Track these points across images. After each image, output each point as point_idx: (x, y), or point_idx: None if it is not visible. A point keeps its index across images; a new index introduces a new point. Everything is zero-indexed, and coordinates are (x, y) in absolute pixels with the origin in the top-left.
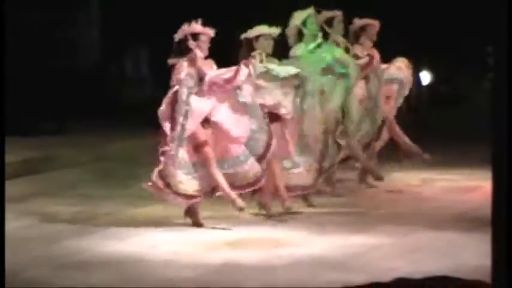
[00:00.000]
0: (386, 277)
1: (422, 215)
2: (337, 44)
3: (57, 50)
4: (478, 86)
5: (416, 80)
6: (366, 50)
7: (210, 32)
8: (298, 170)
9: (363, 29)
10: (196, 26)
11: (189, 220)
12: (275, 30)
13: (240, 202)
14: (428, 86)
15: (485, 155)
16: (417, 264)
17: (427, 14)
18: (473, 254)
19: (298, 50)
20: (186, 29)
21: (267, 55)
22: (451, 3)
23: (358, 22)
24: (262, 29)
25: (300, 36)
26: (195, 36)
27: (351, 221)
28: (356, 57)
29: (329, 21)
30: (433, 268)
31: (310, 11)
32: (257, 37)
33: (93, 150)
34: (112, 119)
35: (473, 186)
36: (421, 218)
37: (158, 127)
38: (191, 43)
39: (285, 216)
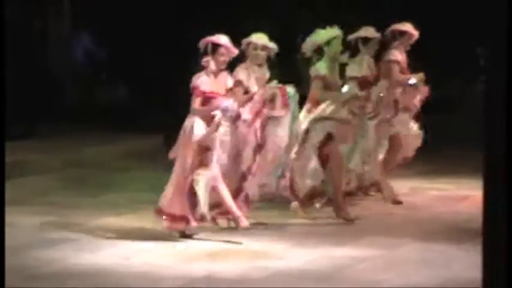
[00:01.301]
0: None
1: (412, 225)
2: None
3: (27, 47)
4: (471, 89)
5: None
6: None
7: (232, 49)
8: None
9: (401, 34)
10: (221, 37)
11: (165, 230)
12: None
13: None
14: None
15: (477, 163)
16: (405, 277)
17: (415, 16)
18: (464, 265)
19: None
20: (208, 39)
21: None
22: (435, 3)
23: (399, 26)
24: (333, 32)
25: (318, 53)
26: (215, 47)
27: (337, 231)
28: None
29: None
30: (422, 280)
31: (338, 32)
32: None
33: (64, 155)
34: (84, 121)
35: (465, 195)
36: (411, 228)
37: (130, 131)
38: (206, 57)
39: (267, 228)
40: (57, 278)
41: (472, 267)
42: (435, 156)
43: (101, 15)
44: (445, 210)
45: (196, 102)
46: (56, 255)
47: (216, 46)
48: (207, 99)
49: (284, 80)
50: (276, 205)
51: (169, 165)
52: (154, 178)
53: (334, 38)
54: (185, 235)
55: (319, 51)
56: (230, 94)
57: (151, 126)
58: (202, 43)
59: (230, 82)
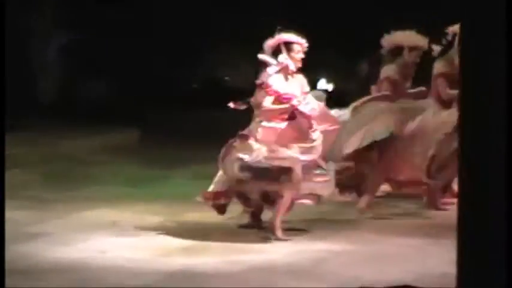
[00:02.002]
0: (349, 285)
1: (388, 221)
2: None
3: (8, 44)
4: None
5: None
6: None
7: (304, 43)
8: None
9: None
10: (291, 35)
11: (141, 224)
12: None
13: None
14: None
15: None
16: (381, 272)
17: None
18: (439, 261)
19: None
20: (277, 39)
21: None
22: None
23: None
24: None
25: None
26: (288, 45)
27: (314, 227)
28: None
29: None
30: (398, 276)
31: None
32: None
33: (41, 149)
34: (61, 116)
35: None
36: (387, 224)
37: (110, 126)
38: (283, 54)
39: (242, 222)
40: (33, 272)
41: (447, 263)
42: None
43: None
44: (420, 207)
45: (267, 101)
46: (32, 249)
47: (289, 45)
48: (278, 100)
49: None
50: None
51: (145, 160)
52: (130, 172)
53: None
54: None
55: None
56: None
57: (127, 120)
58: (270, 45)
59: (306, 85)
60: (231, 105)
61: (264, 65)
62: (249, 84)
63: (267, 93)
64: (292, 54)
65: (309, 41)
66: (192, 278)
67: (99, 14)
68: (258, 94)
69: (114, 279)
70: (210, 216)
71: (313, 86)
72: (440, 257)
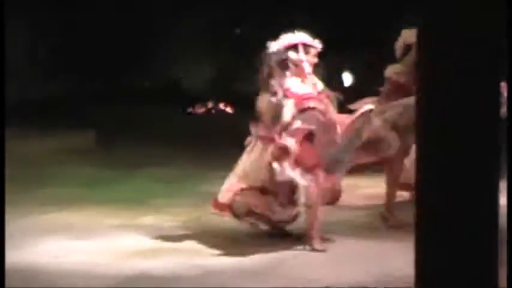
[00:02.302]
0: (310, 286)
1: (348, 222)
2: None
3: None
4: None
5: (339, 81)
6: None
7: (319, 48)
8: None
9: None
10: (310, 38)
11: (97, 227)
12: None
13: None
14: (350, 87)
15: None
16: (341, 274)
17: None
18: (401, 262)
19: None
20: (297, 40)
21: None
22: None
23: None
24: None
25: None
26: (307, 48)
27: (269, 229)
28: None
29: None
30: (357, 277)
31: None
32: None
33: None
34: (18, 117)
35: (399, 192)
36: (346, 225)
37: (64, 127)
38: (292, 55)
39: (199, 225)
40: None
41: (409, 264)
42: None
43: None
44: (380, 207)
45: (288, 112)
46: None
47: (307, 47)
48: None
49: None
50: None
51: (100, 161)
52: (85, 174)
53: None
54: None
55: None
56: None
57: (82, 122)
58: (286, 46)
59: (320, 85)
60: (190, 110)
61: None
62: (203, 84)
63: (287, 96)
64: (309, 56)
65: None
66: (148, 282)
67: (52, 15)
68: (262, 98)
69: (67, 283)
70: (166, 219)
71: None
72: (402, 258)
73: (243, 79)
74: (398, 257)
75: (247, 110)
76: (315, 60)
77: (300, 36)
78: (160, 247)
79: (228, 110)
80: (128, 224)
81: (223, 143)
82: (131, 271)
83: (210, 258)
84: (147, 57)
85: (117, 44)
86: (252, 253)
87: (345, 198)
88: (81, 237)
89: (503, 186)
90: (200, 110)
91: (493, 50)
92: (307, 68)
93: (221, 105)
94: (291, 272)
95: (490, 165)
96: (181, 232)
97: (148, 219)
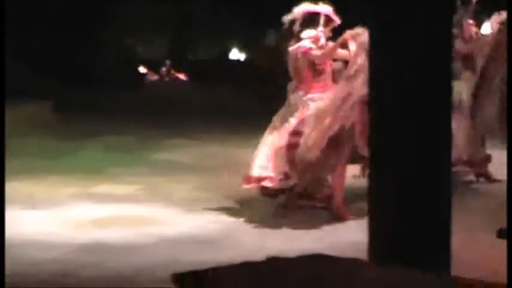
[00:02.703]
0: (258, 256)
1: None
2: None
3: None
4: None
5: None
6: None
7: (338, 22)
8: None
9: None
10: (333, 12)
11: (55, 197)
12: None
13: None
14: None
15: None
16: (293, 243)
17: None
18: (350, 230)
19: None
20: (327, 9)
21: None
22: None
23: None
24: None
25: None
26: (328, 20)
27: (222, 198)
28: None
29: None
30: (308, 246)
31: None
32: None
33: None
34: None
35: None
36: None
37: (24, 98)
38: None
39: (154, 193)
40: None
41: (358, 231)
42: None
43: None
44: None
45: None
46: None
47: (328, 20)
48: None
49: None
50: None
51: (59, 132)
52: (44, 145)
53: None
54: None
55: None
56: None
57: (41, 94)
58: (307, 12)
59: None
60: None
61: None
62: (160, 55)
63: (309, 56)
64: (326, 29)
65: (220, 9)
66: (103, 250)
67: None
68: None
69: (25, 252)
70: (121, 188)
71: (224, 55)
72: (352, 226)
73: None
74: (350, 223)
75: (199, 79)
76: (329, 34)
77: (328, 9)
78: (115, 216)
79: (182, 77)
80: (84, 193)
81: (178, 112)
82: (86, 240)
83: (164, 227)
84: (103, 31)
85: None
86: (206, 221)
87: None
88: (38, 206)
89: None
90: (154, 77)
91: (444, 47)
92: (322, 40)
93: (174, 73)
94: (243, 239)
95: (442, 159)
96: (136, 200)
97: (104, 188)
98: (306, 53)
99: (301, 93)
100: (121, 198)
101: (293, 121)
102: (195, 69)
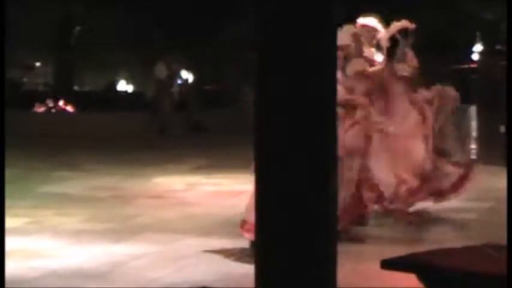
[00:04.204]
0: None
1: (188, 221)
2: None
3: None
4: (246, 85)
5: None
6: None
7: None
8: None
9: None
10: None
11: None
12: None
13: None
14: (193, 84)
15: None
16: (183, 273)
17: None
18: (241, 260)
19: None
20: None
21: None
22: None
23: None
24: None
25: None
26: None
27: (113, 229)
28: None
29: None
30: (199, 277)
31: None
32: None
33: None
34: None
35: (239, 190)
36: (187, 224)
37: None
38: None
39: (39, 227)
40: None
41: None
42: (211, 150)
43: None
44: (220, 205)
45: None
46: None
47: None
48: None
49: None
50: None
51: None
52: None
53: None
54: None
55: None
56: None
57: None
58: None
59: None
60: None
61: None
62: (44, 86)
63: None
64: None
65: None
66: None
67: None
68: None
69: None
70: (9, 221)
71: (112, 86)
72: (242, 256)
73: (83, 79)
74: (240, 254)
75: (87, 109)
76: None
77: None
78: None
79: (69, 109)
80: None
81: (65, 143)
82: None
83: (50, 260)
84: None
85: None
86: (95, 253)
87: (186, 196)
88: None
89: None
90: (40, 109)
91: (329, 47)
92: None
93: (61, 104)
94: (133, 272)
95: (328, 164)
96: (23, 233)
97: None
98: None
99: None
100: (8, 231)
101: None
102: (82, 100)
